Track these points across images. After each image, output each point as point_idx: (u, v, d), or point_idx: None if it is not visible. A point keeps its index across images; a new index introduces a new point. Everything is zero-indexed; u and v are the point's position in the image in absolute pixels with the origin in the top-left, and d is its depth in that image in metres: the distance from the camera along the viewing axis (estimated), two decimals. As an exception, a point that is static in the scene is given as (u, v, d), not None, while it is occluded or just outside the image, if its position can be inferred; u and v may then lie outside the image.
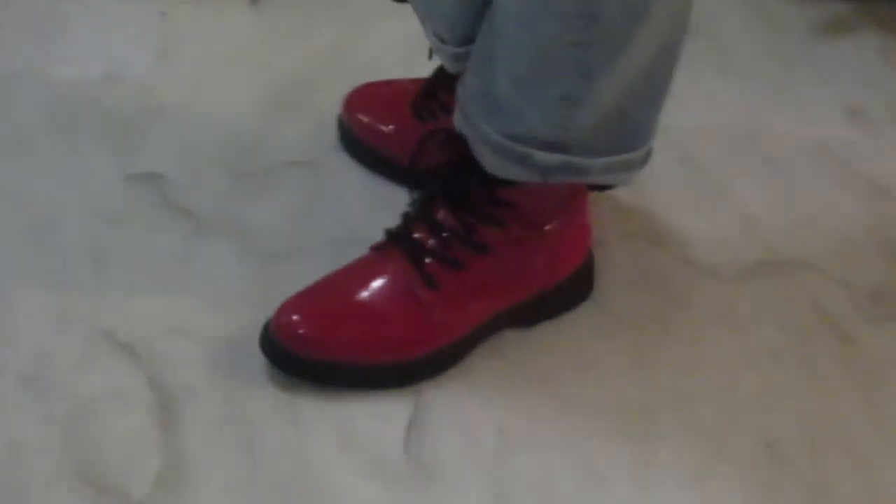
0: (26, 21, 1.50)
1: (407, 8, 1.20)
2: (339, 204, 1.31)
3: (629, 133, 1.09)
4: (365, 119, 1.34)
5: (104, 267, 1.23)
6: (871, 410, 1.13)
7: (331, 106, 1.40)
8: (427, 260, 1.12)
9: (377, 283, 1.13)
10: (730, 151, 1.38)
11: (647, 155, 1.11)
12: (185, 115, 1.40)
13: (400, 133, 1.32)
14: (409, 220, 1.14)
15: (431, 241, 1.12)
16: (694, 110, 1.40)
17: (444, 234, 1.12)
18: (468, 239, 1.12)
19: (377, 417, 1.11)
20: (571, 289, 1.20)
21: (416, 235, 1.13)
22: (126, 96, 1.41)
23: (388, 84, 1.39)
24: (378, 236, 1.16)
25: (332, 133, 1.37)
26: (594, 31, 1.00)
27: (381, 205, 1.28)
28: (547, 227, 1.15)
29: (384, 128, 1.33)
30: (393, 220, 1.17)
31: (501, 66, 1.05)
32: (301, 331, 1.10)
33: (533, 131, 1.05)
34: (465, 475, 1.07)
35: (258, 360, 1.12)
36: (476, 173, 1.10)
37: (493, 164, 1.09)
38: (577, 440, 1.10)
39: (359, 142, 1.35)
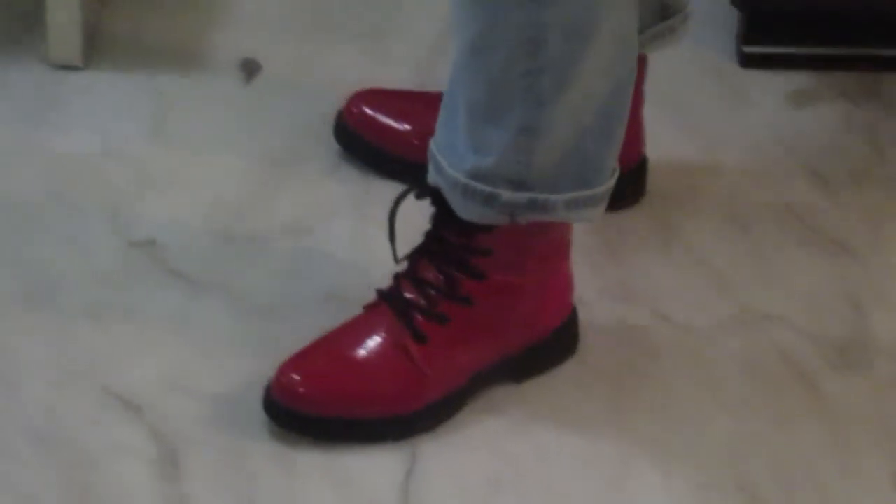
0: (27, 99, 1.54)
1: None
2: (329, 264, 1.35)
3: (588, 169, 1.14)
4: (377, 116, 1.38)
5: (104, 327, 1.27)
6: (839, 455, 1.19)
7: (319, 173, 1.46)
8: (416, 316, 1.17)
9: (370, 342, 1.17)
10: (699, 212, 1.44)
11: (608, 191, 1.17)
12: (179, 186, 1.44)
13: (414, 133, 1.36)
14: (397, 279, 1.19)
15: (418, 298, 1.17)
16: (663, 174, 1.45)
17: (430, 291, 1.17)
18: (451, 292, 1.17)
19: (374, 469, 1.15)
20: (557, 344, 1.24)
21: (405, 294, 1.18)
22: (123, 169, 1.46)
23: (400, 91, 1.44)
24: (366, 293, 1.21)
25: (321, 198, 1.43)
26: (542, 58, 1.06)
27: (369, 264, 1.32)
28: (528, 277, 1.19)
29: (399, 126, 1.37)
30: (380, 278, 1.22)
31: (462, 103, 1.11)
32: (301, 390, 1.15)
33: (496, 167, 1.11)
34: (458, 523, 1.12)
35: (257, 413, 1.17)
36: (451, 223, 1.16)
37: (463, 207, 1.14)
38: (560, 488, 1.15)
39: (362, 139, 1.39)
